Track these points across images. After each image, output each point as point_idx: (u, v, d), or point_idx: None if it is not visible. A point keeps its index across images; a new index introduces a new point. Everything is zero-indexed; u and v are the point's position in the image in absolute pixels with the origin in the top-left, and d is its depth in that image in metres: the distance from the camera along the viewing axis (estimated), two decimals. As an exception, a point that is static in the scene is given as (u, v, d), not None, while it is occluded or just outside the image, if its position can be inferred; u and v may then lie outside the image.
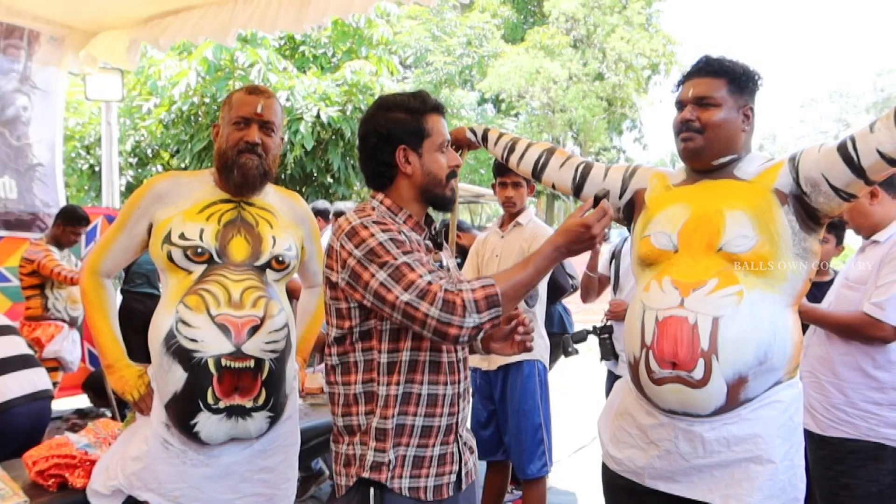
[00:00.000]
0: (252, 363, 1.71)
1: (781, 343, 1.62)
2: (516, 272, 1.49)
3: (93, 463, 1.95)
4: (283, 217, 1.93)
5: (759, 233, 1.62)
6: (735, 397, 1.61)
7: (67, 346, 4.30)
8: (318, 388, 3.21)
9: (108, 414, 4.13)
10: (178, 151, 7.35)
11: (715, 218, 1.68)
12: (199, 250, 1.74)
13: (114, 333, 1.86)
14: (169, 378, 1.70)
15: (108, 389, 3.72)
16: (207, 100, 6.74)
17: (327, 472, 3.80)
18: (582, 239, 1.49)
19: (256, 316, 1.73)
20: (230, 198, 1.85)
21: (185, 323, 1.69)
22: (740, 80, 1.74)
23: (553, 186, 2.10)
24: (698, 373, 1.59)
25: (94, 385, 3.95)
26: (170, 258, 1.75)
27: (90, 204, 6.91)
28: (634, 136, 21.45)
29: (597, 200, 1.53)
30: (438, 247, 1.68)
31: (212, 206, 1.82)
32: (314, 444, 2.70)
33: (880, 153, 1.53)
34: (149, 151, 7.82)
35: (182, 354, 1.68)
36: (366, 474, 1.51)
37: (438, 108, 1.63)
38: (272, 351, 1.76)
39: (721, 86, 1.73)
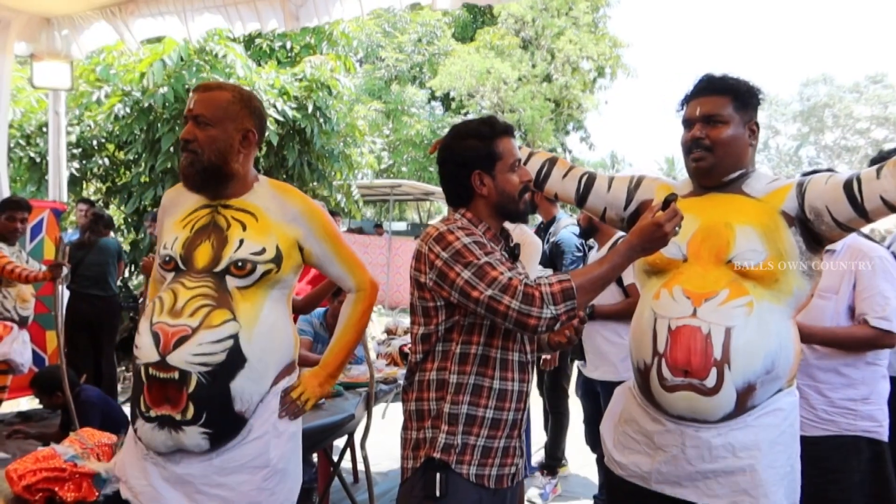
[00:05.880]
0: (176, 375, 1.63)
1: (785, 353, 1.70)
2: (592, 269, 1.61)
3: (83, 475, 1.88)
4: (267, 217, 1.79)
5: (767, 248, 1.69)
6: (743, 405, 1.67)
7: (17, 347, 4.08)
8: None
9: (55, 416, 3.93)
10: (127, 143, 7.01)
11: (724, 231, 1.73)
12: (167, 258, 1.77)
13: None
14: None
15: (66, 389, 3.53)
16: (165, 90, 6.41)
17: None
18: (654, 237, 1.58)
19: (189, 326, 1.65)
20: (208, 202, 1.81)
21: (137, 329, 1.74)
22: (744, 97, 1.79)
23: (556, 196, 2.13)
24: (711, 381, 1.65)
25: (43, 384, 3.72)
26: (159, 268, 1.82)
27: (30, 197, 6.53)
28: (581, 136, 21.85)
29: (667, 203, 1.59)
30: (514, 258, 1.77)
31: (192, 215, 1.81)
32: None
33: (883, 199, 1.61)
34: (94, 143, 7.43)
35: (136, 359, 1.72)
36: (436, 454, 1.63)
37: (508, 131, 1.75)
38: (202, 364, 1.64)
39: (727, 103, 1.78)
